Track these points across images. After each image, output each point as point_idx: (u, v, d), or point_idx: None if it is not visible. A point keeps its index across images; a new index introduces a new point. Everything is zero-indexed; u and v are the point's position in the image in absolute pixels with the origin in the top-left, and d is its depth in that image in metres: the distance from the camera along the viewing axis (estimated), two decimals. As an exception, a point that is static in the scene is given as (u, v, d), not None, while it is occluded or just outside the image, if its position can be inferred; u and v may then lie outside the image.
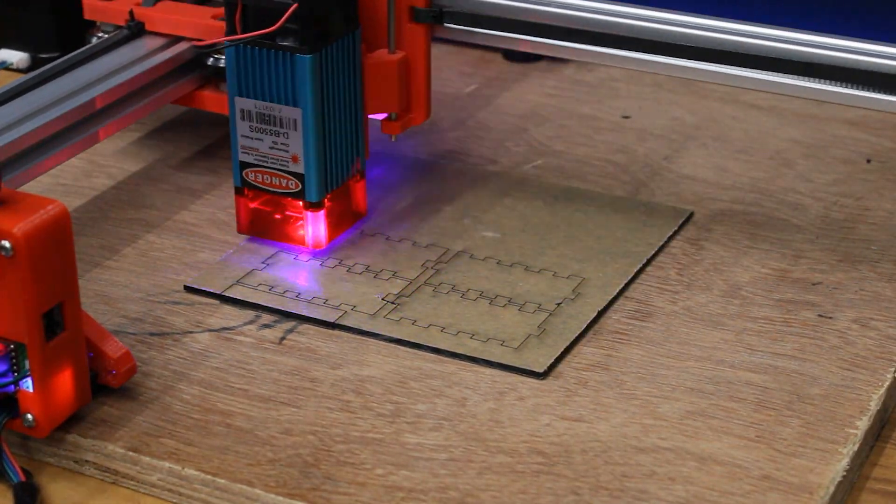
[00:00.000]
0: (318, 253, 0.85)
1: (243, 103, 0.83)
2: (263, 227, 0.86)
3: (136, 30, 0.92)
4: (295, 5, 0.79)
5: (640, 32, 0.84)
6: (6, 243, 0.66)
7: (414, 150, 0.95)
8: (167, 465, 0.70)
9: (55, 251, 0.68)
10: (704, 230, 0.89)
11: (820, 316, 0.81)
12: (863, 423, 0.72)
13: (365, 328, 0.80)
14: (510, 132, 1.01)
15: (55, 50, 0.95)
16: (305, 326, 0.80)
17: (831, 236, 0.88)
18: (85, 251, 0.86)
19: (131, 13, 0.92)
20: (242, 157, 0.85)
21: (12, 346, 0.69)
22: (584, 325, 0.79)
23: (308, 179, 0.83)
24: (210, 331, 0.80)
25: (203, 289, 0.83)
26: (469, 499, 0.68)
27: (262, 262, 0.85)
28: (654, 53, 0.84)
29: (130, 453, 0.71)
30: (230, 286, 0.83)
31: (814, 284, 0.83)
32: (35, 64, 0.95)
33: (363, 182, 0.88)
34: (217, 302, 0.82)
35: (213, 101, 0.93)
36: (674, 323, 0.80)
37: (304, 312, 0.81)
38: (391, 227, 0.89)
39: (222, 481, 0.69)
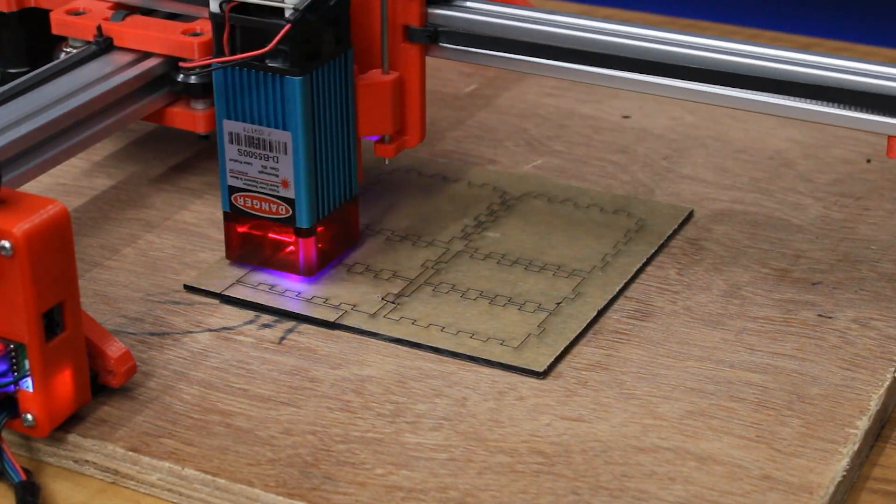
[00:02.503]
0: (308, 280, 0.83)
1: (231, 126, 0.80)
2: (253, 254, 0.84)
3: (104, 45, 0.89)
4: (288, 26, 0.76)
5: (643, 53, 0.81)
6: (6, 243, 0.66)
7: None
8: (167, 464, 0.70)
9: (55, 251, 0.68)
10: (704, 230, 0.89)
11: (820, 316, 0.81)
12: (863, 423, 0.72)
13: (365, 328, 0.79)
14: (510, 132, 1.01)
15: (24, 65, 0.93)
16: (305, 326, 0.80)
17: (831, 236, 0.88)
18: (85, 251, 0.86)
19: (99, 28, 0.88)
20: (231, 182, 0.82)
21: (12, 346, 0.69)
22: (584, 325, 0.79)
23: (299, 205, 0.81)
24: (210, 330, 0.80)
25: (203, 288, 0.83)
26: (469, 499, 0.68)
27: None
28: (658, 75, 0.80)
29: (130, 453, 0.71)
30: (230, 286, 0.83)
31: (814, 284, 0.83)
32: (3, 79, 0.93)
33: (356, 207, 0.85)
34: (217, 302, 0.82)
35: (183, 118, 0.89)
36: (674, 323, 0.80)
37: (304, 312, 0.81)
38: (391, 227, 0.89)
39: (222, 481, 0.69)
